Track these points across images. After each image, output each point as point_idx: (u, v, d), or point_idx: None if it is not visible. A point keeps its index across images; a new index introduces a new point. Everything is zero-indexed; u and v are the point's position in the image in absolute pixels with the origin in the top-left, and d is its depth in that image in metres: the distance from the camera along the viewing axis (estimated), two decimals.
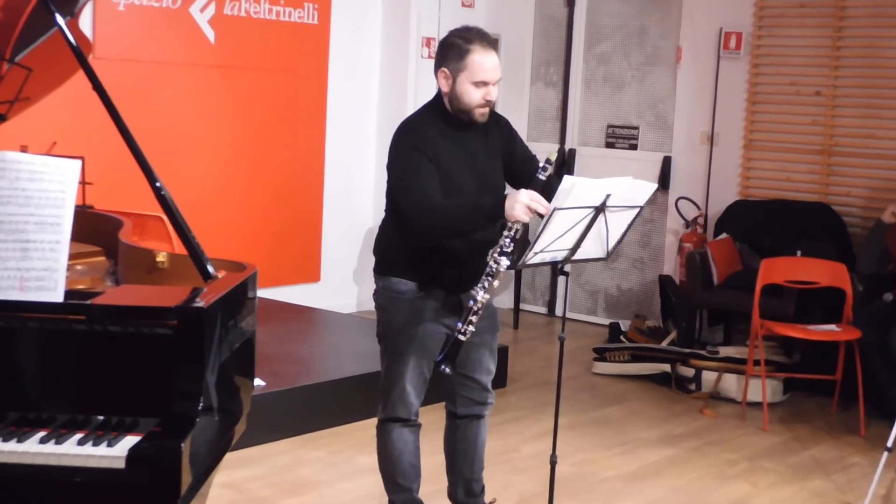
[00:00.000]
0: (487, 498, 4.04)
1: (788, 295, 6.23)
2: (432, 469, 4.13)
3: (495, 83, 3.54)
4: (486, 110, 3.57)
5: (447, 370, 3.46)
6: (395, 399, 3.72)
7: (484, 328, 3.74)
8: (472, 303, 3.42)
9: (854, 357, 5.72)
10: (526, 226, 3.43)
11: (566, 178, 3.33)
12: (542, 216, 3.35)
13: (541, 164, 3.48)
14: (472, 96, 3.52)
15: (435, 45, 7.97)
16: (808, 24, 7.10)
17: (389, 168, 3.59)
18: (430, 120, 3.61)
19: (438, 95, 3.64)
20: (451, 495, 3.99)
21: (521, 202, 3.33)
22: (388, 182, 3.62)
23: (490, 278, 3.43)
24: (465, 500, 3.96)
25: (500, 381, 6.26)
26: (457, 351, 3.44)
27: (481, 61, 3.50)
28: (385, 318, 3.71)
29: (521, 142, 3.81)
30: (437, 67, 3.58)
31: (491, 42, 3.56)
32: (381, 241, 3.74)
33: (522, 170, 3.69)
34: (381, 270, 3.71)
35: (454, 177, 3.54)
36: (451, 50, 3.54)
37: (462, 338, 3.43)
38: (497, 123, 3.72)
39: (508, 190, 3.54)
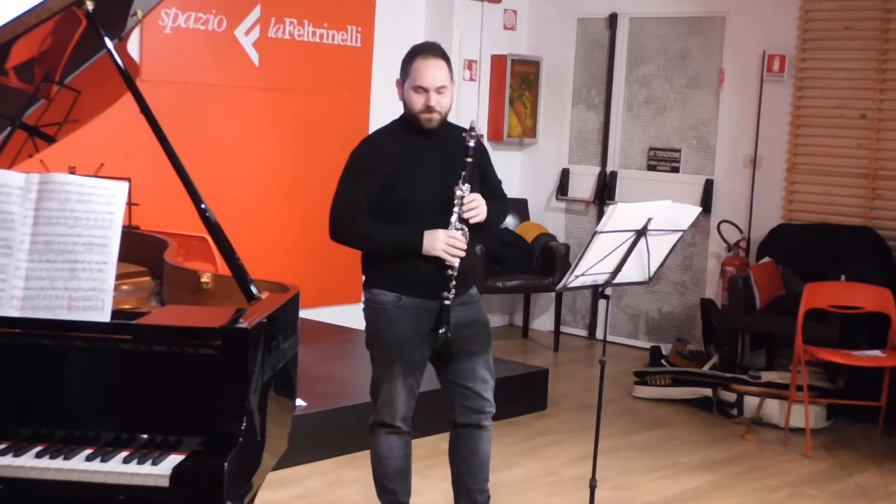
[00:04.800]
0: None
1: (832, 320, 6.17)
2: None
3: (436, 90, 3.68)
4: (433, 116, 3.71)
5: (446, 333, 3.65)
6: (380, 405, 3.85)
7: (471, 338, 3.84)
8: (449, 271, 3.63)
9: None
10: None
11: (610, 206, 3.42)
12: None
13: (466, 135, 3.66)
14: (415, 102, 3.70)
15: (477, 68, 8.07)
16: (853, 47, 7.05)
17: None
18: (395, 128, 3.82)
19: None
20: None
21: (440, 241, 3.62)
22: None
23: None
24: None
25: (541, 403, 6.25)
26: (446, 315, 3.64)
27: (420, 68, 3.67)
28: (370, 327, 3.87)
29: (493, 171, 3.94)
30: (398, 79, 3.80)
31: (436, 53, 3.73)
32: (364, 256, 3.88)
33: (485, 194, 3.80)
34: (365, 283, 3.87)
35: (409, 176, 3.70)
36: (404, 61, 3.76)
37: (447, 302, 3.64)
38: (475, 144, 3.80)
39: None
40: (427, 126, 3.71)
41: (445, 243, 3.62)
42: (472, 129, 3.67)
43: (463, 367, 3.84)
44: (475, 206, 3.65)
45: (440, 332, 3.66)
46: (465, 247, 3.64)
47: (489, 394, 3.89)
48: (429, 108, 3.68)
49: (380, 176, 3.68)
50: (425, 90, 3.66)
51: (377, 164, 3.70)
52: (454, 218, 3.62)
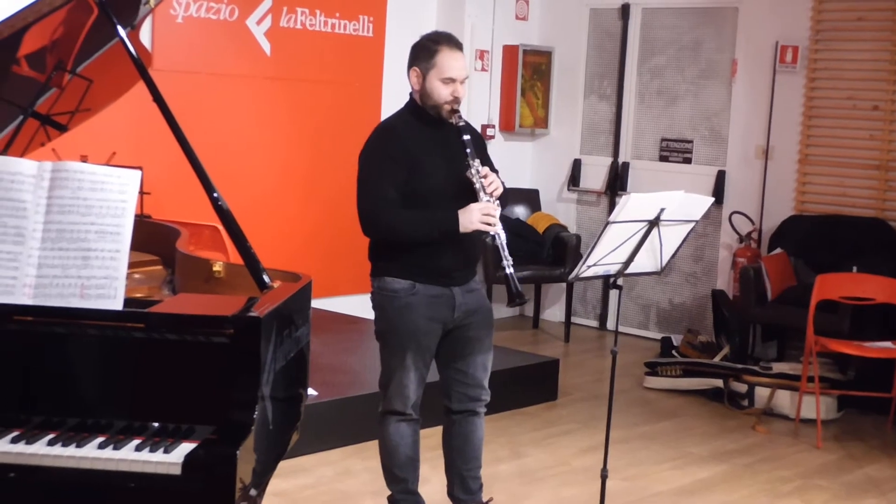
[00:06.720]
0: (485, 496, 4.07)
1: (843, 311, 6.16)
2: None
3: (462, 81, 3.74)
4: (456, 107, 3.75)
5: (524, 299, 3.75)
6: (392, 393, 3.86)
7: (477, 323, 3.89)
8: (496, 239, 3.65)
9: None
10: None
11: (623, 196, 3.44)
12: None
13: (455, 117, 3.72)
14: (442, 92, 3.72)
15: (489, 58, 8.06)
16: (866, 38, 7.02)
17: (358, 169, 3.79)
18: (405, 118, 3.82)
19: (412, 97, 3.83)
20: (449, 493, 4.06)
21: (475, 214, 3.63)
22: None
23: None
24: (462, 497, 4.01)
25: (551, 394, 6.25)
26: (515, 284, 3.67)
27: (448, 60, 3.72)
28: (382, 316, 3.86)
29: (489, 158, 3.93)
30: (409, 67, 3.79)
31: (458, 44, 3.79)
32: (374, 245, 3.88)
33: None
34: (375, 272, 3.87)
35: (427, 166, 3.72)
36: (422, 51, 3.76)
37: (510, 270, 3.66)
38: (471, 132, 3.82)
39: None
40: (448, 117, 3.73)
41: (481, 214, 3.63)
42: (455, 111, 3.72)
43: (465, 353, 3.89)
44: (492, 179, 3.70)
45: (517, 302, 3.70)
46: (497, 215, 3.65)
47: (486, 381, 3.95)
48: (456, 99, 3.72)
49: (404, 167, 3.70)
50: (453, 80, 3.70)
51: (400, 155, 3.70)
52: (480, 191, 3.65)
